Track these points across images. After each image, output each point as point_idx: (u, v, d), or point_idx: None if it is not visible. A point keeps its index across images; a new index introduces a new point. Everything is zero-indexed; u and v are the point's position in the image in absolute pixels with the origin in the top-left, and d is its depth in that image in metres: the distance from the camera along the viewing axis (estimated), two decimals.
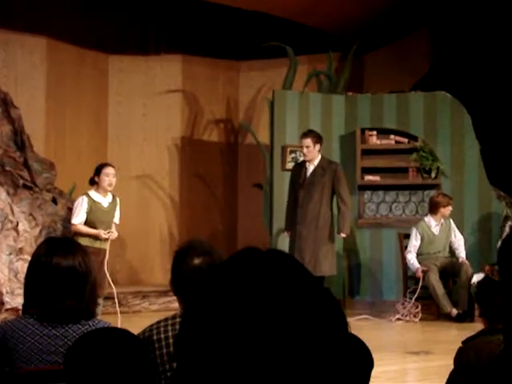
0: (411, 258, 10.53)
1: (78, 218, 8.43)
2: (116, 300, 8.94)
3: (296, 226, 9.98)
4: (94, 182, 8.57)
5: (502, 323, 1.61)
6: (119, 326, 7.43)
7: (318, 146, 10.00)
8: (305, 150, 9.99)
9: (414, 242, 10.58)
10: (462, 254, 10.57)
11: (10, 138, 10.05)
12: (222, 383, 1.15)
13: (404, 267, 10.86)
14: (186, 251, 3.58)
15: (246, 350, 1.14)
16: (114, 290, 8.75)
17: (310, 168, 10.04)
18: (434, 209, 10.66)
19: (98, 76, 12.89)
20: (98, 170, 8.58)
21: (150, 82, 13.23)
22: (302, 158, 10.70)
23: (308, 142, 9.97)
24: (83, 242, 7.62)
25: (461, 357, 3.90)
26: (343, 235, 10.17)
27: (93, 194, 8.53)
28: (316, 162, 10.03)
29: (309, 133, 10.12)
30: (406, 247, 10.77)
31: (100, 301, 7.82)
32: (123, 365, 2.49)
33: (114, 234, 8.51)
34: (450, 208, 10.57)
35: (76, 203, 8.55)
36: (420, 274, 10.31)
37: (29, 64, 11.91)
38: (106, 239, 8.43)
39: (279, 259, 1.26)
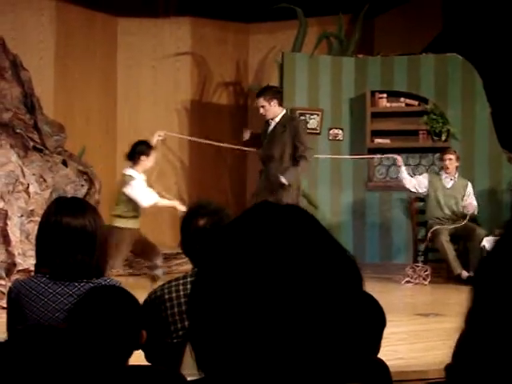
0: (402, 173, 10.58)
1: (153, 195, 8.50)
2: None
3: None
4: (135, 158, 8.31)
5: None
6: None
7: (274, 102, 9.27)
8: (261, 110, 9.31)
9: (417, 176, 10.72)
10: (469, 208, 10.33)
11: (20, 101, 10.01)
12: (236, 341, 1.14)
13: (414, 230, 10.85)
14: (194, 212, 3.61)
15: (260, 307, 1.13)
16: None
17: (272, 125, 9.39)
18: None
19: (107, 38, 12.82)
20: (146, 151, 8.33)
21: (159, 44, 13.17)
22: (311, 121, 10.64)
23: (261, 101, 9.28)
24: (123, 223, 8.09)
25: None
26: (283, 180, 9.03)
27: (134, 172, 8.33)
28: (277, 118, 9.33)
29: (261, 92, 9.47)
30: (416, 211, 10.83)
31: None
32: (116, 323, 2.54)
33: None
34: (449, 158, 10.39)
35: (136, 186, 8.19)
36: (399, 158, 10.55)
37: (38, 26, 11.85)
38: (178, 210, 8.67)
39: (297, 214, 1.24)
